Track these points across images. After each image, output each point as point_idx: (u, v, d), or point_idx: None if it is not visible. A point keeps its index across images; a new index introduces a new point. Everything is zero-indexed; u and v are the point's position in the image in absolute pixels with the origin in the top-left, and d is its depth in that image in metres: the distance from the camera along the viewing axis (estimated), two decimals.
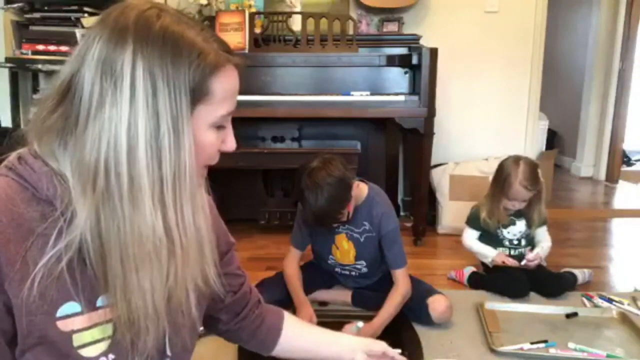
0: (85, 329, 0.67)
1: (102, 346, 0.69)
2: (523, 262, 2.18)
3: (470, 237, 2.32)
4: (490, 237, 2.28)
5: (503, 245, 2.28)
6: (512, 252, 2.27)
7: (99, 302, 0.68)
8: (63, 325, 0.66)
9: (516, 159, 2.17)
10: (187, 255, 0.68)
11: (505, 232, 2.26)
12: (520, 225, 2.25)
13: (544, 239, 2.29)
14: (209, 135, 0.70)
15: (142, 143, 0.62)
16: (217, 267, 0.77)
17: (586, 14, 4.54)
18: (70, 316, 0.66)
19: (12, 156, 0.68)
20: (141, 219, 0.63)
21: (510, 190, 2.13)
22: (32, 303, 0.63)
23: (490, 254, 2.24)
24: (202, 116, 0.68)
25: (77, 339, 0.67)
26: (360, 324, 1.72)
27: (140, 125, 0.62)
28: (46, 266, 0.63)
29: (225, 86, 0.69)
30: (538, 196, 2.19)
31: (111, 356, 0.70)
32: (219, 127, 0.72)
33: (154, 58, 0.63)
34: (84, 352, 0.68)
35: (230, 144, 0.75)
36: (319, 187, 1.64)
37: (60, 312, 0.65)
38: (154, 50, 0.63)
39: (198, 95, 0.66)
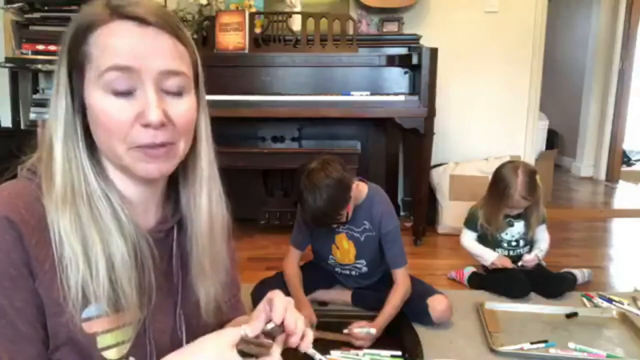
0: (108, 331, 0.68)
1: (123, 349, 0.70)
2: (520, 263, 2.19)
3: (469, 239, 2.32)
4: (488, 238, 2.28)
5: (501, 247, 2.28)
6: (511, 253, 2.27)
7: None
8: (88, 327, 0.66)
9: (514, 167, 2.15)
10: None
11: (503, 233, 2.26)
12: (519, 227, 2.25)
13: (542, 238, 2.30)
14: (103, 102, 0.64)
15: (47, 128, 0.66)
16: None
17: (586, 14, 4.54)
18: (95, 318, 0.66)
19: (35, 158, 0.68)
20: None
21: (509, 200, 2.13)
22: (60, 304, 0.63)
23: (489, 256, 2.24)
24: (90, 84, 0.64)
25: (101, 341, 0.68)
26: (373, 330, 1.70)
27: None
28: None
29: (103, 43, 0.63)
30: (536, 201, 2.19)
31: (132, 359, 0.71)
32: (121, 92, 0.64)
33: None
34: (108, 354, 0.68)
35: (146, 116, 0.64)
36: (318, 189, 1.64)
37: (86, 313, 0.65)
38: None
39: (77, 60, 0.64)
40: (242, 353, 0.63)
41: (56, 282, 0.63)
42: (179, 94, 0.67)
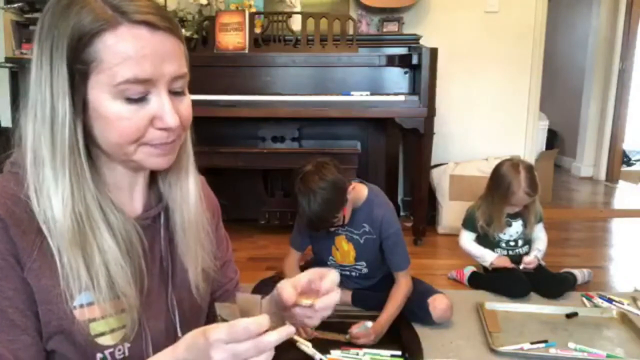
0: (102, 317, 0.68)
1: (118, 335, 0.70)
2: (522, 267, 2.19)
3: (468, 240, 2.32)
4: (487, 239, 2.28)
5: (500, 247, 2.28)
6: (510, 253, 2.27)
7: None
8: (80, 314, 0.67)
9: (514, 165, 2.15)
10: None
11: (501, 234, 2.26)
12: (517, 226, 2.25)
13: (539, 237, 2.30)
14: (115, 107, 0.64)
15: (30, 122, 0.65)
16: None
17: (586, 14, 4.54)
18: (87, 305, 0.67)
19: (18, 154, 0.69)
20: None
21: (513, 198, 2.13)
22: (50, 291, 0.64)
23: (488, 257, 2.24)
24: (98, 86, 0.63)
25: (94, 328, 0.68)
26: (369, 323, 1.72)
27: (31, 99, 0.65)
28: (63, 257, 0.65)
29: (117, 50, 0.62)
30: (535, 198, 2.19)
31: (127, 345, 0.71)
32: (134, 99, 0.64)
33: (51, 19, 0.63)
34: (102, 340, 0.69)
35: (165, 122, 0.66)
36: (312, 192, 1.64)
37: (78, 300, 0.66)
38: (54, 13, 0.63)
39: (80, 63, 0.62)
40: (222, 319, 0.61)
41: (45, 270, 0.64)
42: (183, 93, 0.70)
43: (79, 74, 0.63)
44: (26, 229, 0.64)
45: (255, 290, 1.88)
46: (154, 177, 0.79)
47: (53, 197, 0.64)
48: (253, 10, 2.89)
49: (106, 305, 0.68)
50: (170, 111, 0.65)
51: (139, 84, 0.63)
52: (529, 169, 2.15)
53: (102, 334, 0.69)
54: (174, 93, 0.68)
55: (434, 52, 2.64)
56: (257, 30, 2.80)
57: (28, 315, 0.64)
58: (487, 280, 2.23)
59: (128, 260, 0.69)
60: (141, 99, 0.65)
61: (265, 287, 1.90)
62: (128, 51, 0.62)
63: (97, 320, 0.68)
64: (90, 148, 0.69)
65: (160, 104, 0.65)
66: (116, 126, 0.64)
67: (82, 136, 0.65)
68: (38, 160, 0.65)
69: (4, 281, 0.62)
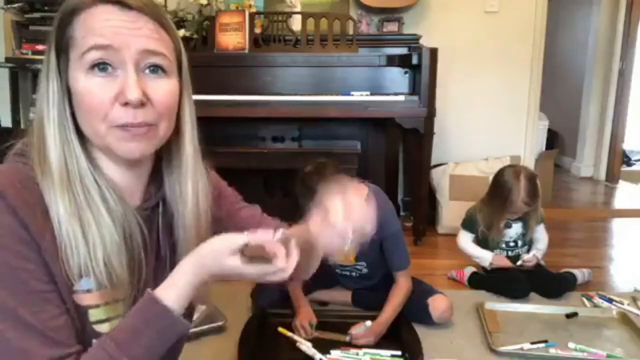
0: (99, 305, 0.69)
1: (115, 324, 0.71)
2: (519, 263, 2.19)
3: (466, 240, 2.32)
4: (486, 241, 2.28)
5: (499, 248, 2.27)
6: (509, 254, 2.27)
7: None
8: (79, 299, 0.68)
9: (516, 172, 2.13)
10: None
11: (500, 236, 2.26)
12: (517, 228, 2.25)
13: (540, 238, 2.30)
14: (84, 82, 0.66)
15: (39, 101, 0.69)
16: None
17: (586, 14, 4.54)
18: (86, 291, 0.68)
19: (21, 143, 0.70)
20: None
21: (512, 206, 2.12)
22: (58, 276, 0.65)
23: (486, 256, 2.24)
24: (74, 66, 0.67)
25: (93, 315, 0.69)
26: (369, 323, 1.73)
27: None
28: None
29: (86, 25, 0.66)
30: (536, 205, 2.18)
31: None
32: (101, 71, 0.66)
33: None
34: (100, 328, 0.70)
35: (125, 95, 0.65)
36: (312, 192, 1.64)
37: (78, 286, 0.67)
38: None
39: (63, 43, 0.67)
40: (249, 258, 0.64)
41: (56, 254, 0.65)
42: (159, 74, 0.69)
43: (63, 53, 0.67)
44: (36, 213, 0.64)
45: (255, 290, 1.88)
46: (159, 174, 0.79)
47: (52, 166, 0.66)
48: (253, 10, 2.88)
49: (104, 293, 0.69)
50: (132, 85, 0.65)
51: (100, 50, 0.65)
52: (531, 177, 2.11)
53: (100, 322, 0.70)
54: (150, 74, 0.68)
55: (434, 52, 2.64)
56: (257, 30, 2.80)
57: (52, 287, 0.65)
58: (487, 280, 2.23)
59: (123, 244, 0.69)
60: (109, 74, 0.66)
61: (264, 287, 1.90)
62: (94, 24, 0.65)
63: (95, 307, 0.69)
64: (88, 146, 0.71)
65: (125, 78, 0.66)
66: (86, 101, 0.66)
67: (70, 113, 0.68)
68: (41, 135, 0.68)
69: (22, 259, 0.62)
